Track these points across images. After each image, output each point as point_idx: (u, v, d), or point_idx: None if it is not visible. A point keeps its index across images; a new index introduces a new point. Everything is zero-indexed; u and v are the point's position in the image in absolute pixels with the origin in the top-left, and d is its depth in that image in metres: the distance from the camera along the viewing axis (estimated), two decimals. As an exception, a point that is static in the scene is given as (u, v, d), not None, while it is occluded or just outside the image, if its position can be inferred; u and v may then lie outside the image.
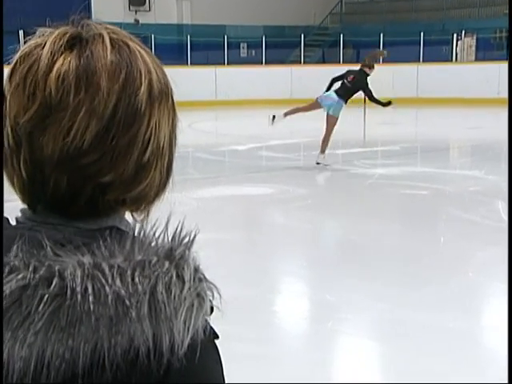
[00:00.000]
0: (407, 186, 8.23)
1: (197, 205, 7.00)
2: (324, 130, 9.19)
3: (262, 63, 22.60)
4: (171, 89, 0.82)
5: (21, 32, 16.29)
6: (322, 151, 9.18)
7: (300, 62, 22.93)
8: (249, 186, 8.27)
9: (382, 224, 6.39)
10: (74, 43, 0.76)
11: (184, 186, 7.98)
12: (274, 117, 9.50)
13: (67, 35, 0.76)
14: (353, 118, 17.20)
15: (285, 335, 4.02)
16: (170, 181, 0.83)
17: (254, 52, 24.28)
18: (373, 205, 7.30)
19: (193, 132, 13.36)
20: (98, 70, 0.74)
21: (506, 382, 1.88)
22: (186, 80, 20.57)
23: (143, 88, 0.76)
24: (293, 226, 6.49)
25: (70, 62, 0.74)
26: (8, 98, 0.76)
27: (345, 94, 8.96)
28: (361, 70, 9.07)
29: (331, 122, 8.99)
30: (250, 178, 8.76)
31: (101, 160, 0.75)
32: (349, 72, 9.10)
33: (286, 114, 9.47)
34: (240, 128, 14.74)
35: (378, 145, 12.22)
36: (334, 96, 8.94)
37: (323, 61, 25.26)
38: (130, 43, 0.79)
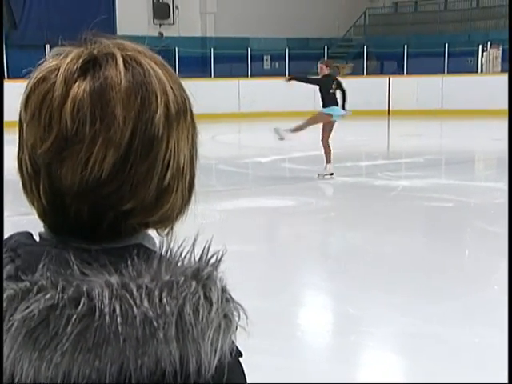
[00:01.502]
0: (431, 198, 8.19)
1: (220, 217, 7.04)
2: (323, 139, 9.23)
3: (285, 75, 22.64)
4: (189, 103, 0.81)
5: (47, 46, 16.53)
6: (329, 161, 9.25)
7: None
8: (272, 199, 8.29)
9: (406, 236, 6.36)
10: (88, 68, 0.75)
11: (207, 199, 8.02)
12: (276, 130, 9.42)
13: (80, 60, 0.75)
14: (376, 129, 17.43)
15: (308, 348, 4.01)
16: (193, 195, 0.82)
17: (277, 64, 24.35)
18: (396, 217, 7.28)
19: (216, 144, 13.46)
20: (113, 99, 0.73)
21: (506, 382, 1.87)
22: (210, 92, 20.69)
23: (159, 112, 0.75)
24: (316, 238, 6.51)
25: (84, 90, 0.73)
26: (24, 126, 0.76)
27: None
28: (330, 75, 9.15)
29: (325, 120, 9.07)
30: (273, 190, 8.79)
31: (120, 189, 0.74)
32: (327, 80, 9.09)
33: (293, 131, 9.44)
34: (263, 140, 14.58)
35: (402, 157, 12.22)
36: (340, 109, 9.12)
37: (347, 72, 25.32)
38: (143, 61, 0.77)
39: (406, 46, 22.05)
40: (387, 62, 24.65)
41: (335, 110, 9.12)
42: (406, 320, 4.20)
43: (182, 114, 0.78)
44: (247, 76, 22.38)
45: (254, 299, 4.24)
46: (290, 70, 22.83)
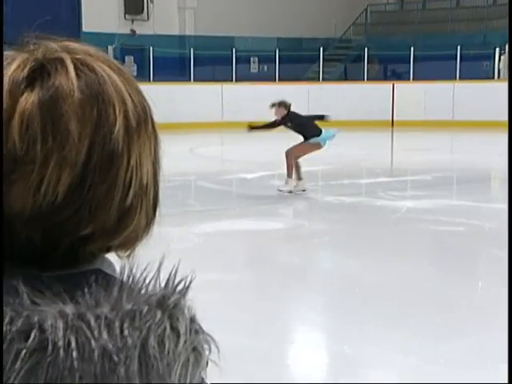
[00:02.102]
0: (440, 221, 8.26)
1: (199, 241, 7.08)
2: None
3: (274, 80, 22.87)
4: (150, 110, 0.81)
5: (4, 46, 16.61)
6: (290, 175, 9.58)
7: (318, 79, 23.24)
8: (259, 220, 8.35)
9: (410, 265, 6.39)
10: (35, 77, 0.75)
11: (184, 220, 8.06)
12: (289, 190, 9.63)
13: (27, 68, 0.75)
14: (378, 142, 17.46)
15: (297, 392, 4.00)
16: (158, 213, 0.83)
17: (265, 67, 24.54)
18: (399, 243, 7.33)
19: (195, 158, 13.64)
20: (66, 113, 0.73)
21: (506, 382, 1.93)
22: (189, 98, 20.81)
23: (118, 124, 0.75)
24: (308, 266, 6.54)
25: (32, 103, 0.73)
26: None
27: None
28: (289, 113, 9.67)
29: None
30: (261, 211, 8.86)
31: (78, 213, 0.75)
32: (290, 118, 9.62)
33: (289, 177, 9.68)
34: (249, 154, 14.86)
35: (407, 174, 12.34)
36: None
37: (345, 77, 25.50)
38: (96, 66, 0.77)
39: (412, 48, 22.31)
40: (391, 66, 24.91)
41: (323, 137, 9.43)
42: (408, 360, 4.22)
43: (142, 125, 0.78)
44: (231, 80, 22.52)
45: (237, 335, 4.25)
46: (281, 74, 23.01)
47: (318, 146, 9.40)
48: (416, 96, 21.18)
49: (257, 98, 21.39)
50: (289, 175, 9.48)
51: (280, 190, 9.49)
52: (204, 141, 17.31)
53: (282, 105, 9.62)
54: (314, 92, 21.97)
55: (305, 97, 21.86)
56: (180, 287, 0.76)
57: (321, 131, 9.43)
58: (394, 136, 17.04)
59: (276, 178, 11.52)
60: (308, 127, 9.45)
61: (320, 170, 12.22)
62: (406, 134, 19.04)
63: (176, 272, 0.77)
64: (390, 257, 6.64)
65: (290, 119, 9.46)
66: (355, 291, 5.82)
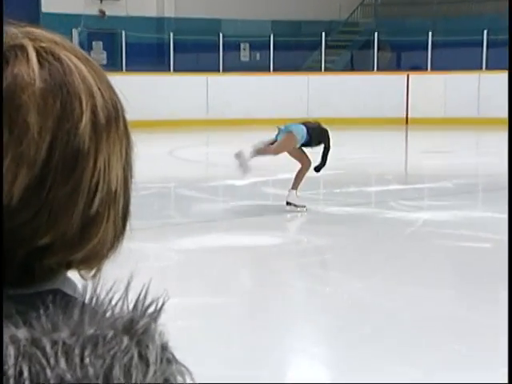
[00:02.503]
0: (462, 236, 8.27)
1: (178, 259, 7.06)
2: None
3: (269, 70, 22.86)
4: (121, 107, 0.83)
5: None
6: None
7: (320, 69, 23.23)
8: (249, 235, 8.33)
9: (426, 287, 6.34)
10: None
11: (162, 235, 8.11)
12: (238, 155, 9.62)
13: None
14: (390, 143, 17.27)
15: None
16: (128, 226, 0.84)
17: (258, 55, 24.52)
18: (414, 261, 7.30)
19: (176, 161, 13.67)
20: (25, 104, 0.74)
21: (506, 382, 2.04)
22: (168, 92, 20.74)
23: (85, 119, 0.76)
24: (306, 287, 6.52)
25: None
26: None
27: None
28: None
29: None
30: (252, 224, 8.85)
31: (35, 219, 0.75)
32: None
33: (254, 153, 9.64)
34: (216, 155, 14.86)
35: (424, 180, 12.33)
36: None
37: (351, 67, 25.51)
38: (62, 54, 0.79)
39: (430, 33, 22.32)
40: (405, 54, 24.89)
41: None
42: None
43: (113, 122, 0.80)
44: (218, 70, 22.49)
45: (224, 368, 4.24)
46: (276, 64, 22.96)
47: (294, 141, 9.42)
48: (435, 89, 21.31)
49: (248, 91, 21.45)
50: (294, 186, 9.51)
51: (290, 204, 9.39)
52: (186, 141, 17.33)
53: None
54: (314, 84, 21.94)
55: (303, 89, 21.91)
56: (151, 310, 0.76)
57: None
58: (408, 136, 16.90)
59: (270, 184, 11.70)
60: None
61: (321, 175, 12.13)
62: (422, 133, 19.08)
63: (147, 293, 0.77)
64: (403, 278, 6.62)
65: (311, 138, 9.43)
66: (363, 319, 5.77)
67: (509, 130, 7.51)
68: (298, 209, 9.31)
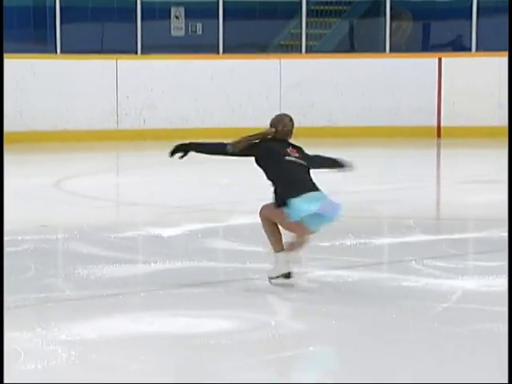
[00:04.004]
0: None
1: (67, 358, 5.38)
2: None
3: (217, 51, 18.13)
4: None
5: None
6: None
7: (299, 50, 18.56)
8: (184, 316, 6.63)
9: None
10: None
11: (41, 317, 6.45)
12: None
13: None
14: (414, 169, 15.66)
15: None
16: None
17: (199, 28, 18.96)
18: (449, 355, 5.71)
19: (65, 199, 11.45)
20: None
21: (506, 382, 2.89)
22: (53, 84, 16.84)
23: None
24: None
25: None
26: None
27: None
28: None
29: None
30: (188, 299, 7.07)
31: None
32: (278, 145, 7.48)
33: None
34: (168, 189, 12.67)
35: (465, 228, 10.49)
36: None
37: (351, 47, 20.18)
38: None
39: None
40: (436, 26, 20.16)
41: (299, 208, 7.16)
42: None
43: None
44: (135, 52, 17.76)
45: None
46: (228, 41, 17.92)
47: (297, 224, 7.21)
48: (484, 81, 17.71)
49: (183, 84, 17.20)
50: (272, 246, 7.44)
51: (272, 278, 7.41)
52: (83, 166, 14.83)
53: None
54: (289, 72, 17.75)
55: (273, 82, 17.77)
56: None
57: (312, 189, 7.23)
58: (441, 156, 15.08)
59: (218, 234, 9.83)
60: (294, 181, 7.31)
61: None
62: (463, 151, 16.97)
63: None
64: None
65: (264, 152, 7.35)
66: None
67: (509, 136, 7.27)
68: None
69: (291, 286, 7.37)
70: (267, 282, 7.47)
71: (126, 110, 17.43)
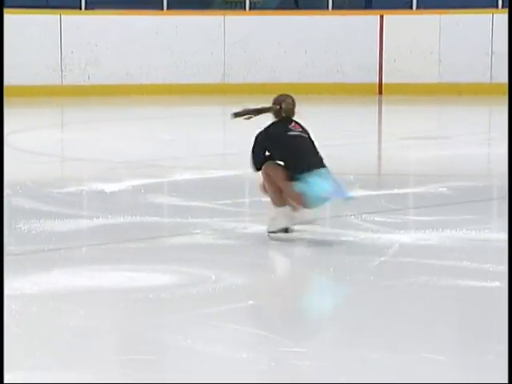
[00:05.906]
0: (459, 269, 6.71)
1: (11, 311, 5.40)
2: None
3: (162, 7, 18.14)
4: None
5: None
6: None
7: (243, 7, 18.66)
8: (127, 270, 6.63)
9: (401, 350, 4.96)
10: None
11: None
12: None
13: None
14: (354, 125, 15.85)
15: None
16: None
17: None
18: (383, 308, 5.84)
19: (10, 153, 11.14)
20: None
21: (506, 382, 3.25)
22: None
23: None
24: (214, 354, 4.94)
25: None
26: None
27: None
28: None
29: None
30: (131, 253, 7.11)
31: None
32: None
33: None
34: (112, 145, 12.68)
35: (404, 183, 10.52)
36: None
37: (295, 4, 20.17)
38: None
39: None
40: None
41: (315, 186, 7.39)
42: None
43: None
44: (79, 7, 17.66)
45: None
46: None
47: (301, 200, 7.45)
48: (425, 39, 18.00)
49: (129, 40, 17.32)
50: (273, 201, 7.61)
51: (272, 232, 7.58)
52: (26, 121, 14.92)
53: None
54: (232, 30, 17.86)
55: (218, 38, 17.88)
56: None
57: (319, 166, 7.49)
58: (382, 113, 15.21)
59: (163, 190, 9.82)
60: (304, 155, 7.57)
61: (246, 177, 9.98)
62: (404, 108, 17.10)
63: None
64: (356, 340, 5.09)
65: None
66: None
67: (508, 127, 7.31)
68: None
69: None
70: (209, 237, 7.58)
71: (71, 66, 17.53)
